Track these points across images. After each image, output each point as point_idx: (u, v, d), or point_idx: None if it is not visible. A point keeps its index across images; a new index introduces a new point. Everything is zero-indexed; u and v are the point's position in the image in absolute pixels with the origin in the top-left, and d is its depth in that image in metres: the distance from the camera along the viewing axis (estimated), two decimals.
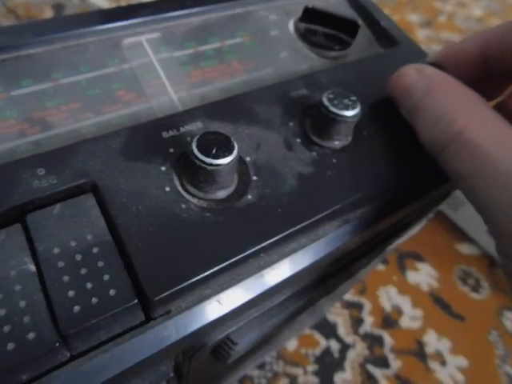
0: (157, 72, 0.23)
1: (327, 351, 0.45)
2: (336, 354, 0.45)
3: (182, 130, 0.20)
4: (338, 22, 0.27)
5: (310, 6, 0.27)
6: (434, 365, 0.47)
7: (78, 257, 0.16)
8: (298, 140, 0.22)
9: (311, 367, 0.44)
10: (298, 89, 0.23)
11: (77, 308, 0.15)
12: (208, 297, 0.18)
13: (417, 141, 0.22)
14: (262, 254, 0.19)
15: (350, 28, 0.27)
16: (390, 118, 0.24)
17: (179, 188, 0.19)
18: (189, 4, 0.25)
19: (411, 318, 0.50)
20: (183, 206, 0.18)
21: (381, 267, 0.53)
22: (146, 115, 0.22)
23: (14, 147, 0.20)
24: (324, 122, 0.21)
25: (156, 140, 0.20)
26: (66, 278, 0.16)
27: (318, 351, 0.45)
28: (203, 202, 0.19)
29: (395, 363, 0.46)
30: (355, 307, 0.49)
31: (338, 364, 0.45)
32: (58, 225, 0.17)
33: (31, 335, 0.15)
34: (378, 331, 0.48)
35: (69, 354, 0.16)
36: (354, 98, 0.21)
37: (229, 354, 0.22)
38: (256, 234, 0.18)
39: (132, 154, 0.19)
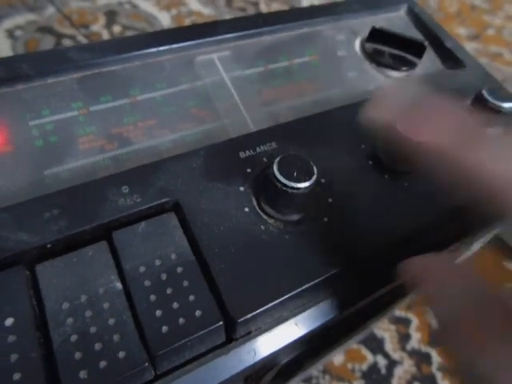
0: (229, 90, 0.23)
1: (374, 367, 0.45)
2: (383, 371, 0.45)
3: (257, 150, 0.20)
4: (404, 42, 0.27)
5: (378, 27, 0.26)
6: None
7: (164, 276, 0.17)
8: (370, 162, 0.22)
9: (358, 383, 0.43)
10: None
11: (165, 328, 0.16)
12: (286, 319, 0.18)
13: None
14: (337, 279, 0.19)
15: (417, 49, 0.27)
16: None
17: (257, 209, 0.19)
18: (258, 23, 0.25)
19: None
20: (262, 227, 0.18)
21: None
22: (218, 133, 0.22)
23: (94, 162, 0.21)
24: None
25: (234, 160, 0.20)
26: (152, 298, 0.16)
27: (364, 366, 0.45)
28: (280, 223, 0.19)
29: (443, 383, 0.45)
30: (402, 323, 0.48)
31: (386, 380, 0.44)
32: (142, 243, 0.17)
33: (121, 354, 0.15)
34: (425, 348, 0.47)
35: (154, 374, 0.16)
36: None
37: (295, 373, 0.22)
38: (333, 258, 0.18)
39: (211, 174, 0.19)
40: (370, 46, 0.27)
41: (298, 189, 0.18)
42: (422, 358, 0.45)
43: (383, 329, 0.46)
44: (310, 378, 0.42)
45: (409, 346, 0.46)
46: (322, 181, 0.20)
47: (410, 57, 0.27)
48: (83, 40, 0.63)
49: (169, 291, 0.16)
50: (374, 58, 0.27)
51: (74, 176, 0.20)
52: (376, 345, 0.45)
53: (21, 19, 0.62)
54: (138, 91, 0.23)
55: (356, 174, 0.21)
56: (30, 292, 0.16)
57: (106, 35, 0.65)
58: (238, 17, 0.26)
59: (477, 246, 0.32)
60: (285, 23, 0.26)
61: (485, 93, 0.23)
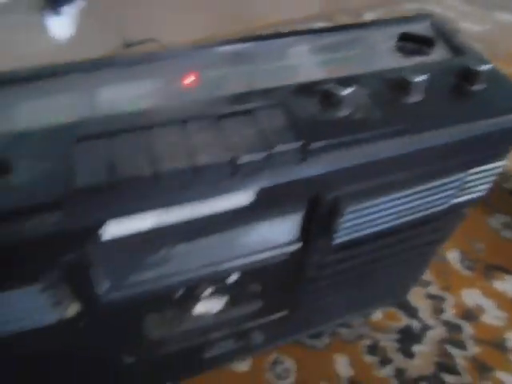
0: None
1: (409, 327, 0.52)
2: (417, 331, 0.52)
3: None
4: (419, 38, 0.39)
5: (404, 32, 0.39)
6: None
7: None
8: None
9: (393, 336, 0.51)
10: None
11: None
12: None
13: None
14: None
15: (429, 42, 0.38)
16: None
17: None
18: (323, 30, 0.39)
19: (494, 316, 0.54)
20: None
21: (467, 272, 0.59)
22: None
23: None
24: None
25: None
26: None
27: (400, 325, 0.52)
28: None
29: (473, 348, 0.51)
30: (438, 299, 0.55)
31: (418, 338, 0.51)
32: None
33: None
34: (458, 321, 0.53)
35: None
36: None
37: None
38: None
39: None
40: (399, 43, 0.39)
41: None
42: (454, 328, 0.52)
43: (418, 301, 0.54)
44: (351, 325, 0.51)
45: (443, 317, 0.53)
46: None
47: (424, 48, 0.38)
48: None
49: None
50: (402, 49, 0.39)
51: None
52: (411, 312, 0.53)
53: None
54: None
55: None
56: None
57: None
58: (326, 26, 0.40)
59: None
60: (338, 30, 0.39)
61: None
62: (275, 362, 0.48)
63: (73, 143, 0.25)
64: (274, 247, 0.33)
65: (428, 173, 0.34)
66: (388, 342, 0.51)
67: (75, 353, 0.33)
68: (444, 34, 0.42)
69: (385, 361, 0.49)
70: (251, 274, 0.34)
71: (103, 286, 0.28)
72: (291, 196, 0.30)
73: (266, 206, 0.29)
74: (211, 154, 0.26)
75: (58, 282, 0.27)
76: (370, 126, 0.30)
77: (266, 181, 0.27)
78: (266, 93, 0.32)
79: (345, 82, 0.31)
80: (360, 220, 0.34)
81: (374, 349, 0.50)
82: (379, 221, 0.35)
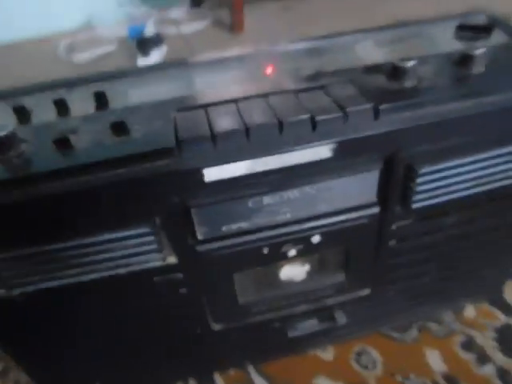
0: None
1: (508, 326, 0.49)
2: None
3: None
4: (477, 27, 0.40)
5: (461, 23, 0.41)
6: None
7: None
8: None
9: (489, 334, 0.48)
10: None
11: None
12: None
13: None
14: None
15: (487, 29, 0.39)
16: None
17: None
18: (384, 27, 0.42)
19: None
20: None
21: None
22: None
23: None
24: None
25: None
26: None
27: (497, 324, 0.49)
28: None
29: None
30: None
31: None
32: None
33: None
34: None
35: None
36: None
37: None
38: None
39: None
40: (458, 32, 0.41)
41: None
42: None
43: None
44: (441, 321, 0.49)
45: None
46: None
47: (482, 35, 0.39)
48: None
49: None
50: (461, 37, 0.40)
51: None
52: (508, 309, 0.50)
53: None
54: None
55: None
56: None
57: None
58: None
59: None
60: (412, 25, 0.42)
61: None
62: (360, 353, 0.47)
63: (174, 112, 0.31)
64: (353, 208, 0.35)
65: (498, 138, 0.34)
66: (485, 340, 0.48)
67: (169, 312, 0.37)
68: (500, 24, 0.43)
69: (483, 359, 0.46)
70: (333, 237, 0.36)
71: (200, 233, 0.32)
72: (367, 152, 0.32)
73: (344, 159, 0.31)
74: (294, 114, 0.30)
75: (163, 227, 0.31)
76: (435, 91, 0.32)
77: (342, 136, 0.30)
78: (336, 73, 0.35)
79: (409, 59, 0.33)
80: (436, 184, 0.34)
81: (469, 345, 0.47)
82: (456, 186, 0.35)
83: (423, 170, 0.33)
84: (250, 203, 0.31)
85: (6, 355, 0.38)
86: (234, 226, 0.33)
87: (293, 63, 0.39)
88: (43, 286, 0.32)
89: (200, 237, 0.32)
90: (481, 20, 0.43)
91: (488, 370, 0.45)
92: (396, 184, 0.34)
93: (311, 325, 0.44)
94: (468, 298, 0.50)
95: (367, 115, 0.30)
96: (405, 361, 0.46)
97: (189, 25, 1.24)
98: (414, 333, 0.49)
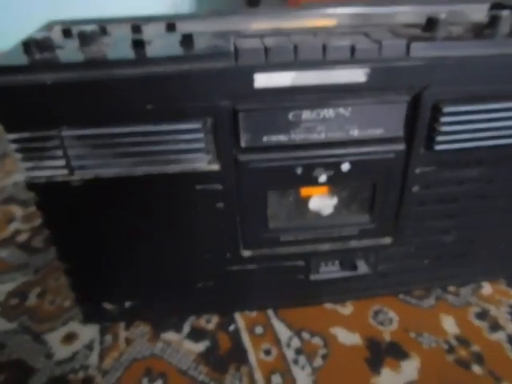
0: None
1: None
2: None
3: None
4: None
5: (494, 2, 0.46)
6: None
7: None
8: None
9: (504, 308, 0.49)
10: None
11: None
12: None
13: None
14: None
15: None
16: None
17: None
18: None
19: None
20: None
21: None
22: None
23: None
24: None
25: None
26: None
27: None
28: None
29: None
30: None
31: None
32: None
33: None
34: None
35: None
36: None
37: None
38: None
39: None
40: (491, 11, 0.46)
41: None
42: None
43: None
44: (458, 293, 0.51)
45: None
46: None
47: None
48: None
49: None
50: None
51: None
52: None
53: None
54: None
55: None
56: None
57: None
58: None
59: None
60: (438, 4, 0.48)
61: None
62: (377, 311, 0.49)
63: (233, 38, 0.36)
64: (381, 140, 0.38)
65: None
66: (499, 313, 0.49)
67: (205, 227, 0.41)
68: None
69: (495, 327, 0.47)
70: (361, 167, 0.39)
71: (244, 140, 0.36)
72: (397, 83, 0.36)
73: (376, 87, 0.36)
74: (336, 41, 0.35)
75: (212, 129, 0.36)
76: (462, 38, 0.37)
77: (375, 63, 0.35)
78: (377, 26, 0.41)
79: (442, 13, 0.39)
80: (460, 127, 0.38)
81: (483, 315, 0.48)
82: (479, 134, 0.39)
83: (448, 110, 0.37)
84: (291, 116, 0.36)
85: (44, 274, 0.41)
86: (274, 138, 0.37)
87: (341, 21, 0.45)
88: (101, 172, 0.36)
89: (243, 144, 0.37)
90: None
91: (499, 335, 0.46)
92: (422, 122, 0.38)
93: (333, 270, 0.46)
94: (485, 273, 0.51)
95: (400, 50, 0.35)
96: (420, 322, 0.48)
97: None
98: (431, 301, 0.50)
